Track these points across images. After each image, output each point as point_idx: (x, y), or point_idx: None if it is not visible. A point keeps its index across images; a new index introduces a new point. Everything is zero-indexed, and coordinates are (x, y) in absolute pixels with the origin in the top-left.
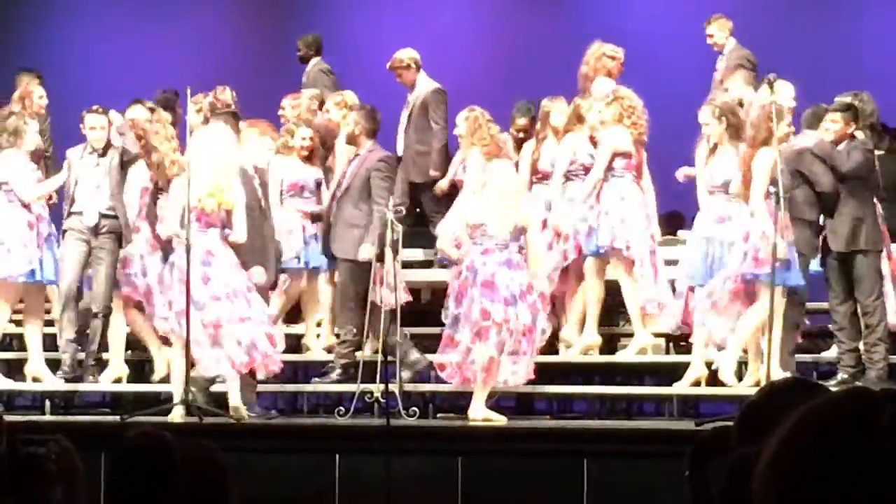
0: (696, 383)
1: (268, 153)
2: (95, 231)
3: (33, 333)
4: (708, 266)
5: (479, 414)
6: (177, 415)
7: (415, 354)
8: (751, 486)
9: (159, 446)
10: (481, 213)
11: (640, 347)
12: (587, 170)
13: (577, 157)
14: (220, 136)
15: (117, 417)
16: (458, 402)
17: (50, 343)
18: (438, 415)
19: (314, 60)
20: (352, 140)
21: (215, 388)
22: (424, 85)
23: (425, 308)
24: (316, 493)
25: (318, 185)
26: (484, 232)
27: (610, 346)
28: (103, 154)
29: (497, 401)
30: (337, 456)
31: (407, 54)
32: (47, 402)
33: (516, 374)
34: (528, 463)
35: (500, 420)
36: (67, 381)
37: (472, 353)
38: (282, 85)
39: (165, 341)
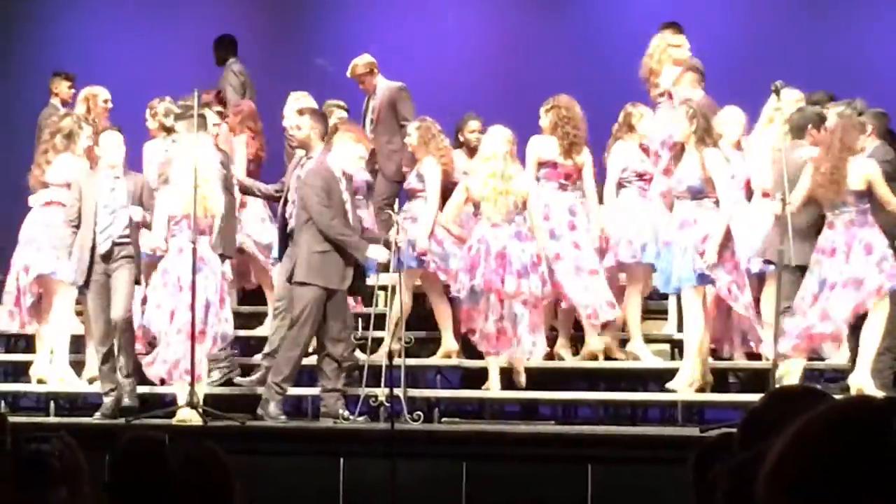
0: (701, 389)
1: (359, 161)
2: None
3: (47, 334)
4: (667, 273)
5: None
6: (181, 417)
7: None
8: (753, 492)
9: (152, 451)
10: (479, 191)
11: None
12: (640, 176)
13: (629, 164)
14: (204, 145)
15: (122, 419)
16: (463, 406)
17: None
18: (443, 419)
19: (230, 61)
20: (304, 144)
21: (222, 390)
22: (384, 85)
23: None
24: (320, 496)
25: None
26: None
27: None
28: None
29: (502, 407)
30: (341, 459)
31: (364, 60)
32: (52, 404)
33: (536, 346)
34: (532, 468)
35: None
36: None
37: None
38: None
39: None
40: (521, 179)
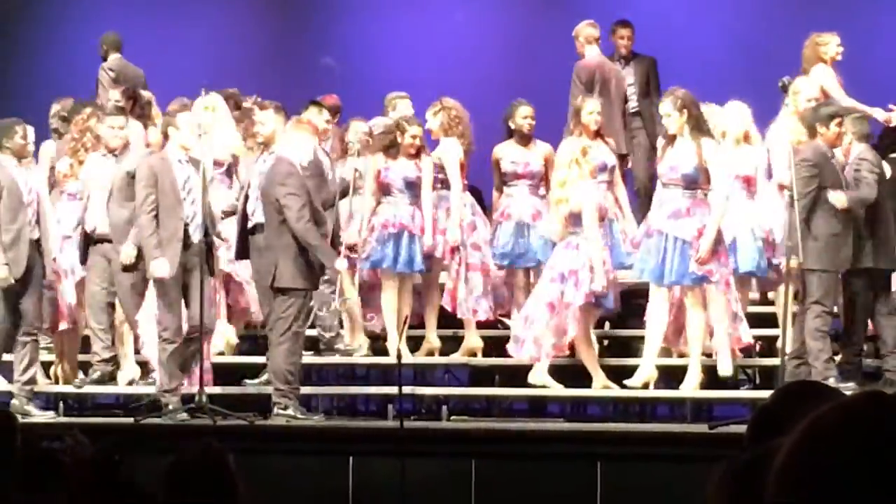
0: (646, 385)
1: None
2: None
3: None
4: (659, 262)
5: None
6: (190, 416)
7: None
8: (762, 490)
9: (215, 461)
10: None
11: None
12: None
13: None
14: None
15: (131, 419)
16: (472, 404)
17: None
18: (452, 417)
19: (112, 57)
20: (269, 140)
21: (232, 390)
22: None
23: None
24: (329, 495)
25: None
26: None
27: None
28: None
29: (510, 404)
30: (350, 458)
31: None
32: (61, 404)
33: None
34: (541, 465)
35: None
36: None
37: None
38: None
39: None
40: (578, 188)
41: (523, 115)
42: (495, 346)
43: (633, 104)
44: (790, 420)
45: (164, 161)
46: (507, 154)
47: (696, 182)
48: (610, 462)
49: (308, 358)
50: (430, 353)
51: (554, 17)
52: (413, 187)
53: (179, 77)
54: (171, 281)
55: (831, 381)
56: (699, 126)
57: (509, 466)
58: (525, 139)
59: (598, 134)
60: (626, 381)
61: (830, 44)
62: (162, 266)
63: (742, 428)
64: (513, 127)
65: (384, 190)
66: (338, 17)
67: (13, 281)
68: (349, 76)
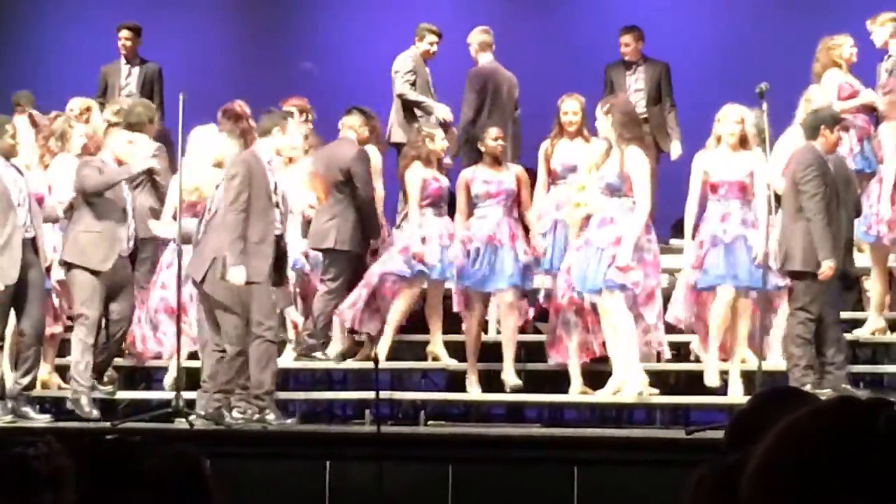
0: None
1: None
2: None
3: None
4: (584, 269)
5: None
6: (168, 421)
7: None
8: (738, 495)
9: (190, 467)
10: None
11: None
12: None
13: None
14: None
15: (108, 423)
16: (449, 409)
17: None
18: (429, 422)
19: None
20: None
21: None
22: None
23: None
24: (306, 500)
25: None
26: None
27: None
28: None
29: (488, 409)
30: (327, 463)
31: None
32: (37, 408)
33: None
34: (518, 470)
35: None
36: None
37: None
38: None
39: None
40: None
41: (493, 137)
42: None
43: (640, 110)
44: (767, 425)
45: (259, 161)
46: (479, 176)
47: (620, 190)
48: (587, 467)
49: (285, 363)
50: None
51: (540, 21)
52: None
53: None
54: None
55: (808, 388)
56: (625, 133)
57: (486, 471)
58: (496, 161)
59: (577, 133)
60: (598, 391)
61: (844, 45)
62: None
63: (719, 433)
64: (483, 150)
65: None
66: (317, 21)
67: (2, 287)
68: (326, 80)
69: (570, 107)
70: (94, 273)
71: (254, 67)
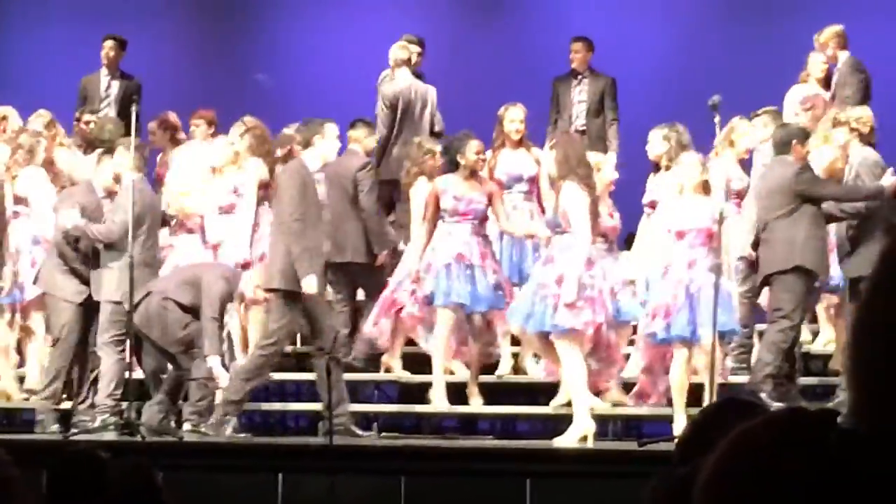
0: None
1: None
2: None
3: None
4: (530, 308)
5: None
6: (118, 433)
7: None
8: None
9: (94, 464)
10: None
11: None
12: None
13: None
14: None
15: (60, 436)
16: (402, 421)
17: None
18: (382, 434)
19: None
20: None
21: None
22: None
23: None
24: None
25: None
26: None
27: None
28: None
29: (441, 421)
30: (280, 475)
31: None
32: None
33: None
34: (471, 483)
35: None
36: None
37: None
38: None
39: None
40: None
41: (475, 151)
42: (420, 363)
43: (580, 122)
44: (718, 437)
45: (309, 172)
46: (450, 189)
47: (559, 227)
48: (539, 479)
49: None
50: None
51: (497, 29)
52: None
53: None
54: None
55: (763, 395)
56: (562, 170)
57: (439, 484)
58: (474, 175)
59: (520, 143)
60: (557, 440)
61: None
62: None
63: (672, 445)
64: (463, 163)
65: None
66: (271, 32)
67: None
68: (281, 93)
69: (516, 115)
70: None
71: (207, 79)
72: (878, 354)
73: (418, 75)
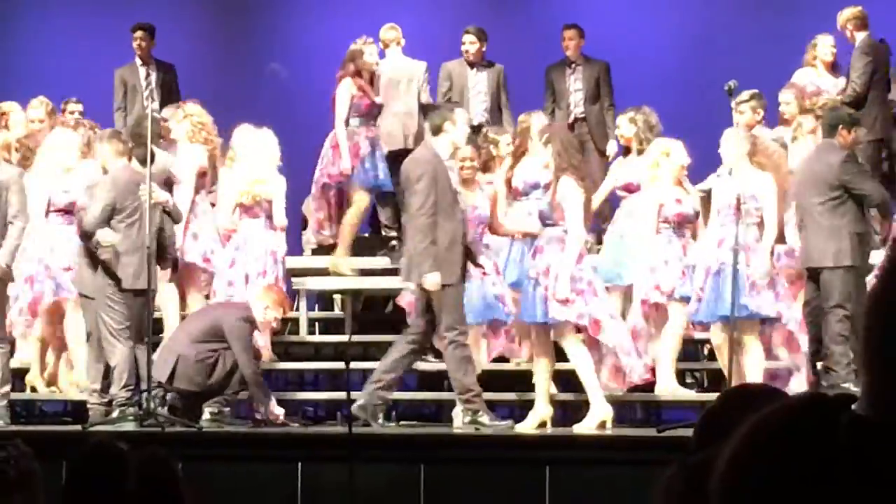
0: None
1: None
2: None
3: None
4: (528, 302)
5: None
6: (138, 424)
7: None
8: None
9: (113, 456)
10: None
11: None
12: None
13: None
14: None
15: (79, 427)
16: (420, 409)
17: None
18: (401, 422)
19: None
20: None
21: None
22: None
23: (390, 317)
24: (278, 501)
25: None
26: None
27: None
28: None
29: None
30: (299, 464)
31: None
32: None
33: None
34: (490, 470)
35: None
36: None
37: None
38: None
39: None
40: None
41: (461, 158)
42: (438, 352)
43: (579, 110)
44: (736, 423)
45: (441, 161)
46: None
47: (550, 218)
48: (558, 466)
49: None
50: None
51: (501, 22)
52: None
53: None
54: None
55: (850, 386)
56: (562, 163)
57: (458, 471)
58: (465, 183)
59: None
60: (577, 427)
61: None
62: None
63: (691, 431)
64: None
65: None
66: (285, 22)
67: None
68: (294, 83)
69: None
70: None
71: (221, 69)
72: (888, 341)
73: (482, 64)
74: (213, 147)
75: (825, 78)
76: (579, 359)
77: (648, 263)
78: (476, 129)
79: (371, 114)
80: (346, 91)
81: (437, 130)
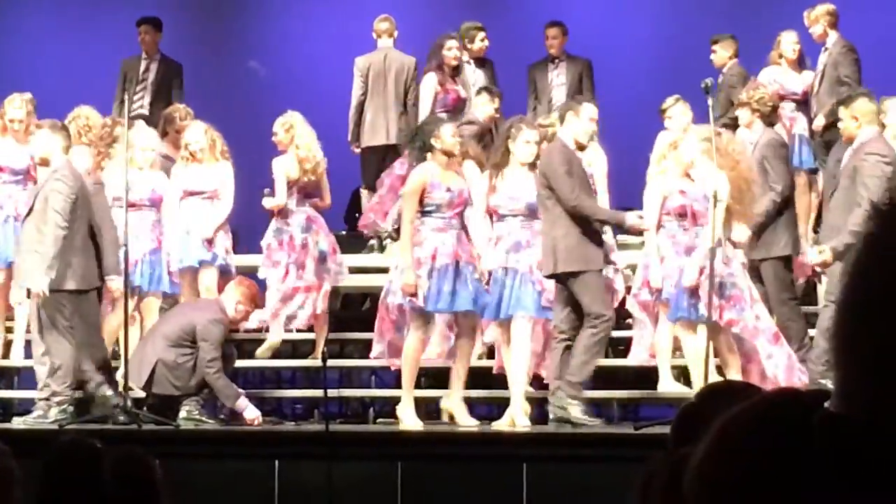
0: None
1: None
2: None
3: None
4: (497, 297)
5: None
6: (116, 421)
7: (107, 390)
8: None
9: (87, 453)
10: None
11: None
12: None
13: None
14: None
15: (55, 424)
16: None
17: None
18: (378, 419)
19: None
20: (45, 162)
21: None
22: None
23: (365, 314)
24: (256, 499)
25: None
26: None
27: None
28: None
29: (437, 406)
30: (276, 462)
31: None
32: None
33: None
34: (467, 467)
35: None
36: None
37: None
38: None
39: None
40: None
41: (451, 133)
42: None
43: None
44: (713, 420)
45: (570, 150)
46: (437, 180)
47: (536, 212)
48: (536, 463)
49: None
50: None
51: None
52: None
53: (95, 84)
54: None
55: (826, 383)
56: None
57: (436, 468)
58: (455, 162)
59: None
60: (495, 424)
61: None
62: None
63: (668, 429)
64: (438, 147)
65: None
66: (264, 19)
67: None
68: (273, 80)
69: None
70: None
71: (200, 66)
72: (858, 336)
73: (482, 63)
74: (99, 149)
75: (790, 75)
76: (526, 353)
77: (644, 259)
78: None
79: (458, 108)
80: (428, 86)
81: (562, 121)
